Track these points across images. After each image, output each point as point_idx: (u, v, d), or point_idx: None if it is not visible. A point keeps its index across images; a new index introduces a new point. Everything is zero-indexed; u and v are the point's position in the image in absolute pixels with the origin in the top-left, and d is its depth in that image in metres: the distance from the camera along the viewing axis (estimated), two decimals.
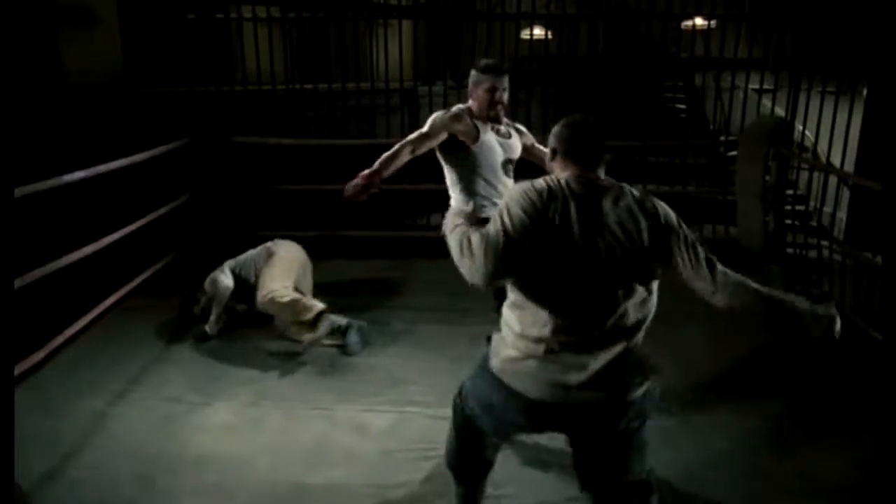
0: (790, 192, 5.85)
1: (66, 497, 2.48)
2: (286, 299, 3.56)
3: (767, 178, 4.67)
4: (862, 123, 5.59)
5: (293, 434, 2.87)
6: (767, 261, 4.68)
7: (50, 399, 3.13)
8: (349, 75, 6.50)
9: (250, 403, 3.11)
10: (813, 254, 4.86)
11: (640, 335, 1.77)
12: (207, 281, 3.79)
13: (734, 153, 5.55)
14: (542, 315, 1.71)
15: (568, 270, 1.68)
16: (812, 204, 6.14)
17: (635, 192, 1.78)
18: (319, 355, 3.54)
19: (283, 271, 3.75)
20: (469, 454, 2.03)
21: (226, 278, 3.76)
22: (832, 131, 4.50)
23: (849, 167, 4.89)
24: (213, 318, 3.72)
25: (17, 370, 3.09)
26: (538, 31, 7.93)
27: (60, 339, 3.47)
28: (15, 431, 2.76)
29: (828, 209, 5.81)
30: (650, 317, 1.77)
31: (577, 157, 1.80)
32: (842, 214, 6.10)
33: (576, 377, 1.70)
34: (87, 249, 3.70)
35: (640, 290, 1.73)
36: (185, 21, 5.47)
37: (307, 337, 3.54)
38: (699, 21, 6.52)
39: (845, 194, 6.00)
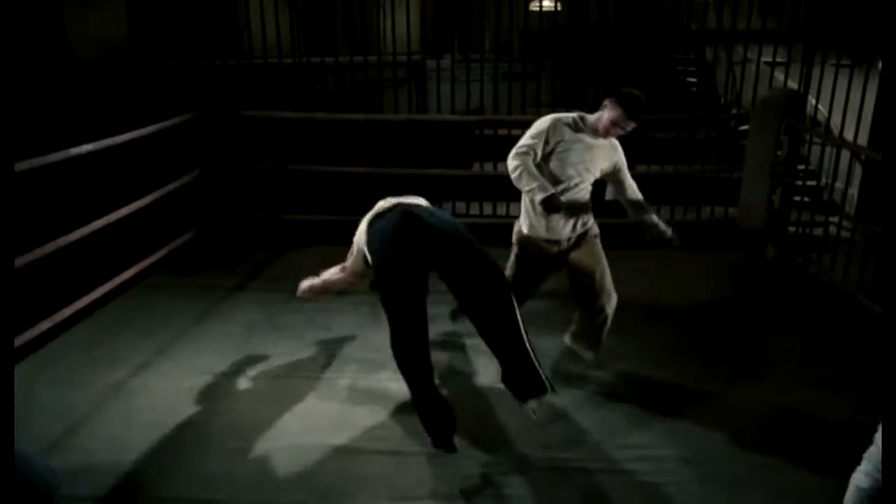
0: (801, 166, 5.77)
1: (79, 465, 2.50)
2: None
3: (779, 152, 4.62)
4: (877, 97, 5.48)
5: (320, 403, 2.90)
6: (766, 240, 4.67)
7: (68, 371, 3.14)
8: (356, 48, 6.44)
9: (281, 374, 3.14)
10: (819, 231, 4.82)
11: None
12: None
13: (745, 127, 5.47)
14: None
15: None
16: (824, 179, 6.07)
17: None
18: (347, 326, 3.60)
19: None
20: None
21: None
22: (846, 105, 4.42)
23: (863, 142, 4.81)
24: None
25: (22, 340, 3.09)
26: (547, 3, 7.80)
27: (68, 311, 3.41)
28: (31, 403, 2.81)
29: (840, 185, 5.75)
30: None
31: None
32: (853, 190, 6.03)
33: None
34: (98, 224, 3.63)
35: None
36: None
37: None
38: None
39: (858, 170, 5.92)
